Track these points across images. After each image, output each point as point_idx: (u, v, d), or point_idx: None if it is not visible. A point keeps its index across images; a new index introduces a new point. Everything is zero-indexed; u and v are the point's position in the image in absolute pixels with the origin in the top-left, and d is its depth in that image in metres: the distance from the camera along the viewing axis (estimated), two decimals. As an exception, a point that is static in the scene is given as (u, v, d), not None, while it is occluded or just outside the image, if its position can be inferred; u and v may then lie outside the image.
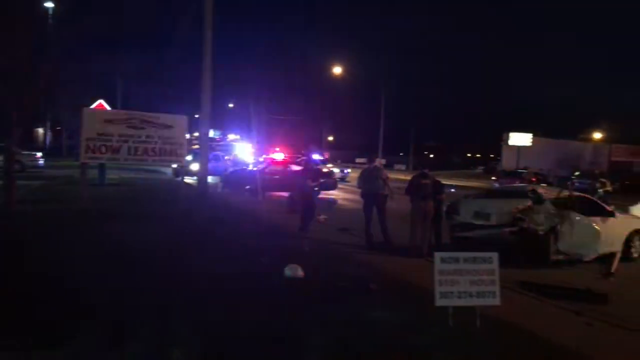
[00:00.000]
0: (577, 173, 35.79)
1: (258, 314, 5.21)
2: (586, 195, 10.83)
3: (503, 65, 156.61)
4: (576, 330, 5.49)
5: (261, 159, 25.50)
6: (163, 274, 6.59)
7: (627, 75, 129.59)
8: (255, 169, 20.41)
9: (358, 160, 73.39)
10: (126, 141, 13.08)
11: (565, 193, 9.55)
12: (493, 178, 38.66)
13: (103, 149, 12.88)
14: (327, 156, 37.18)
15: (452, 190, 24.33)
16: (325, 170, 23.07)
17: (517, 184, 18.79)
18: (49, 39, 13.93)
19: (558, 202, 9.22)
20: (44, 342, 4.23)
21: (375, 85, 51.80)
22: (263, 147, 32.40)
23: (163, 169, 27.53)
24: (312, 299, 5.85)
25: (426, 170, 9.72)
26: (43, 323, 4.61)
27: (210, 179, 17.80)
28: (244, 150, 34.46)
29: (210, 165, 18.06)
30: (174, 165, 19.07)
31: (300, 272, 6.76)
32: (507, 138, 64.74)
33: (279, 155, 25.29)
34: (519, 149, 61.46)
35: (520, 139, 63.64)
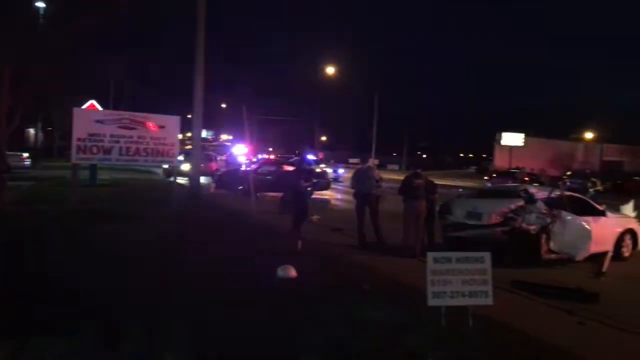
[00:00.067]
0: (568, 173, 36.08)
1: (251, 314, 5.18)
2: (578, 195, 10.88)
3: (502, 65, 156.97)
4: (568, 329, 5.51)
5: (254, 159, 25.47)
6: (154, 274, 6.54)
7: (627, 75, 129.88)
8: (248, 169, 20.38)
9: (351, 160, 73.47)
10: (118, 141, 13.02)
11: (557, 193, 9.59)
12: (485, 178, 38.86)
13: (94, 150, 12.82)
14: (321, 156, 37.21)
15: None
16: (318, 170, 23.07)
17: (510, 184, 18.88)
18: (39, 38, 13.84)
19: (550, 202, 9.25)
20: (38, 340, 4.18)
21: (369, 86, 51.92)
22: (257, 147, 32.38)
23: (154, 169, 27.44)
24: (305, 299, 5.83)
25: (419, 170, 9.73)
26: (38, 322, 4.56)
27: (202, 179, 17.75)
28: (237, 151, 34.42)
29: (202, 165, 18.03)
30: (165, 166, 19.02)
31: (293, 273, 6.73)
32: (500, 138, 65.15)
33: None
34: (511, 149, 61.82)
35: (512, 139, 64.05)
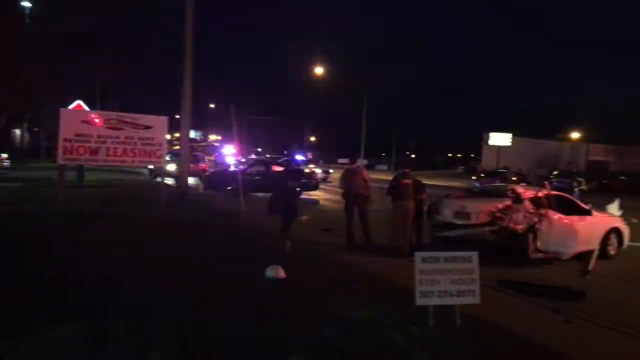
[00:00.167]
0: (555, 172, 36.43)
1: (239, 314, 5.16)
2: (564, 194, 10.99)
3: (502, 65, 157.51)
4: (555, 327, 5.56)
5: (243, 159, 25.40)
6: (139, 275, 6.49)
7: (627, 75, 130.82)
8: (236, 169, 20.32)
9: (340, 160, 73.58)
10: (105, 142, 12.92)
11: (544, 192, 9.67)
12: (474, 178, 39.08)
13: (81, 150, 12.71)
14: (310, 156, 37.25)
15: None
16: (307, 170, 23.08)
17: (497, 184, 19.01)
18: (25, 38, 13.70)
19: (537, 201, 9.33)
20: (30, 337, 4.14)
21: (358, 86, 52.00)
22: (245, 147, 32.32)
23: (142, 170, 27.24)
24: (294, 300, 5.82)
25: (407, 170, 9.77)
26: (20, 322, 4.51)
27: (190, 179, 17.66)
28: (226, 151, 34.31)
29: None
30: (151, 166, 18.92)
31: (281, 273, 6.72)
32: (487, 138, 65.53)
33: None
34: (499, 148, 62.23)
35: (500, 139, 64.45)
